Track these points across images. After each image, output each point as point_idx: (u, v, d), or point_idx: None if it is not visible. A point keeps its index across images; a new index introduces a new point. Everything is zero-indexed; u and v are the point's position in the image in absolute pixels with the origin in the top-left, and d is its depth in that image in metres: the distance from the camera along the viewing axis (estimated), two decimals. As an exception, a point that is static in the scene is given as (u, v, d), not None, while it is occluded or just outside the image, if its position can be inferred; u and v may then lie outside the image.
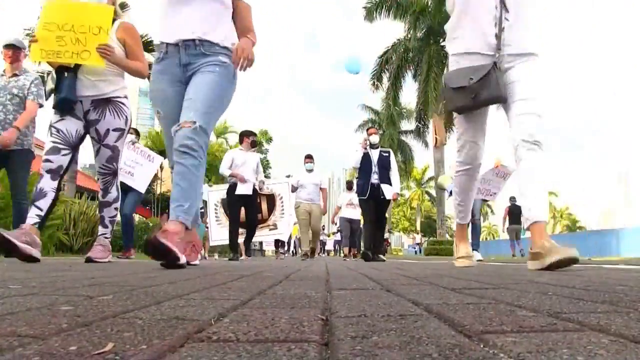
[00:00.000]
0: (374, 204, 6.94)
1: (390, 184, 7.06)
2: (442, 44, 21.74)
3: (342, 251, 18.08)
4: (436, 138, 21.12)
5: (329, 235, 28.22)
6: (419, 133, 27.24)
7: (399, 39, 22.07)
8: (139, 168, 6.93)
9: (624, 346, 0.52)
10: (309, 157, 8.93)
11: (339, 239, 24.20)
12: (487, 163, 6.57)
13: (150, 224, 14.54)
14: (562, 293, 1.15)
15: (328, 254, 27.44)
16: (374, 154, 7.05)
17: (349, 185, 11.21)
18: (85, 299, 0.99)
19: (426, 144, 24.60)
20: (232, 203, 7.31)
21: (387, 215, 8.01)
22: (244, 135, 7.64)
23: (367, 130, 7.49)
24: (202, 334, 0.60)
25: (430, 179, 46.45)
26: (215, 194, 9.47)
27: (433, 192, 34.52)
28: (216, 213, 9.39)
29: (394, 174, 7.16)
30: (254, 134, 7.67)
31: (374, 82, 22.37)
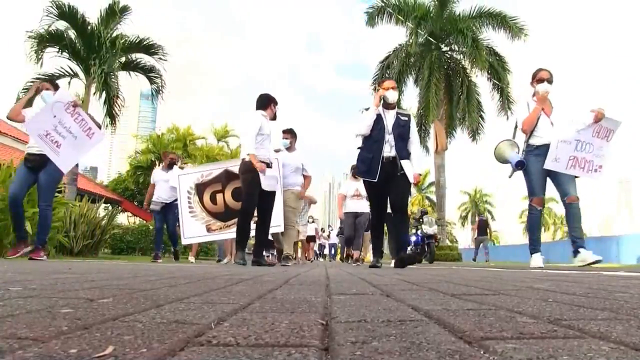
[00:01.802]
0: (389, 188, 4.90)
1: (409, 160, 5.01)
2: (443, 49, 21.81)
3: (340, 254, 15.15)
4: (437, 143, 21.11)
5: (328, 236, 25.52)
6: (420, 138, 27.24)
7: (400, 44, 22.12)
8: (70, 140, 5.31)
9: (624, 353, 0.52)
10: (286, 132, 6.97)
11: (334, 241, 22.35)
12: (582, 117, 4.88)
13: (151, 227, 14.37)
14: (562, 300, 1.15)
15: (331, 258, 24.91)
16: (389, 117, 4.95)
17: (355, 171, 8.59)
18: (85, 302, 0.99)
19: (427, 149, 24.63)
20: (253, 184, 5.35)
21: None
22: (271, 101, 5.77)
23: (382, 82, 5.24)
24: (202, 338, 0.60)
25: (431, 184, 46.36)
26: (187, 178, 7.62)
27: (434, 197, 34.54)
28: (189, 202, 7.48)
29: (415, 147, 5.10)
30: (277, 102, 5.85)
31: (375, 87, 22.37)
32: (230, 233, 7.16)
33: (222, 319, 0.77)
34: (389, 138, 4.90)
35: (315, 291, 1.36)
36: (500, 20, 20.09)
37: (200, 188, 7.50)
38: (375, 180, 4.82)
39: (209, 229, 7.40)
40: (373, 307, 0.96)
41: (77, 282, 1.59)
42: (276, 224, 6.66)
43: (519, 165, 4.83)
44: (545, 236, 64.24)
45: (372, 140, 4.92)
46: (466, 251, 27.43)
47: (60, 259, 6.52)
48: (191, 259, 9.12)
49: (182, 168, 8.00)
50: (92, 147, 5.66)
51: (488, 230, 17.97)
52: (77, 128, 5.40)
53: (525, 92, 5.18)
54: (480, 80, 21.54)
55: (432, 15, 20.87)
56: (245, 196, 5.47)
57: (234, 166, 6.99)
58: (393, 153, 4.86)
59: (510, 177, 5.20)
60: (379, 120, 4.94)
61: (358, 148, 5.14)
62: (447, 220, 25.16)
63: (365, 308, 0.95)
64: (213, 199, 7.39)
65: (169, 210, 8.01)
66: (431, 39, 21.28)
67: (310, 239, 17.97)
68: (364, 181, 5.16)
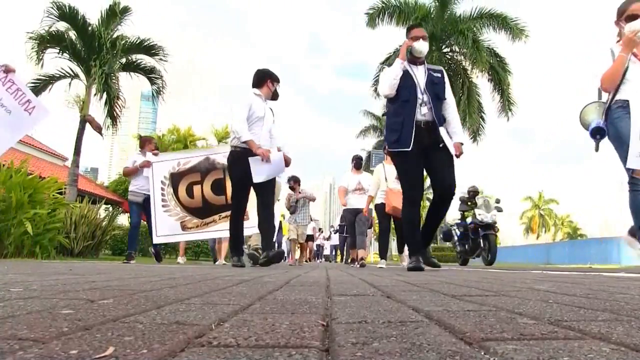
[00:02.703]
0: (428, 164, 3.90)
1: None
2: (443, 50, 21.82)
3: (342, 254, 13.95)
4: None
5: (329, 237, 24.58)
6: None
7: (400, 45, 22.13)
8: (3, 115, 4.34)
9: (625, 354, 0.52)
10: None
11: (336, 242, 20.07)
12: None
13: None
14: (562, 301, 1.15)
15: (328, 260, 24.23)
16: (419, 74, 3.98)
17: (357, 162, 7.77)
18: (85, 303, 0.99)
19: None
20: (243, 179, 4.63)
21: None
22: (267, 76, 4.93)
23: (410, 29, 4.19)
24: (202, 339, 0.60)
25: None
26: (161, 166, 6.51)
27: (434, 198, 34.60)
28: (163, 194, 6.37)
29: (452, 111, 4.07)
30: (277, 79, 5.00)
31: (375, 88, 22.39)
32: (208, 233, 6.43)
33: (223, 320, 0.77)
34: (423, 98, 3.87)
35: (316, 292, 1.36)
36: (500, 21, 20.11)
37: (175, 178, 6.38)
38: (409, 149, 3.73)
39: (183, 227, 6.31)
40: (374, 308, 0.96)
41: (78, 283, 1.59)
42: (251, 224, 5.60)
43: (597, 133, 3.45)
44: (545, 237, 64.14)
45: (401, 101, 3.89)
46: (466, 252, 27.41)
47: (60, 260, 6.52)
48: (180, 259, 8.03)
49: (155, 154, 6.76)
50: (33, 125, 4.70)
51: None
52: (12, 101, 4.35)
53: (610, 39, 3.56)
54: (481, 81, 21.56)
55: (432, 16, 20.91)
56: (235, 193, 4.76)
57: (217, 154, 6.32)
58: (429, 116, 3.85)
59: (596, 150, 3.64)
60: (406, 77, 3.93)
61: (383, 115, 4.80)
62: (448, 222, 25.14)
63: (366, 309, 0.95)
64: (190, 191, 6.32)
65: (151, 204, 6.67)
66: (432, 40, 21.28)
67: (309, 238, 16.76)
68: (394, 157, 4.02)
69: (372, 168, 9.17)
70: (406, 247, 6.41)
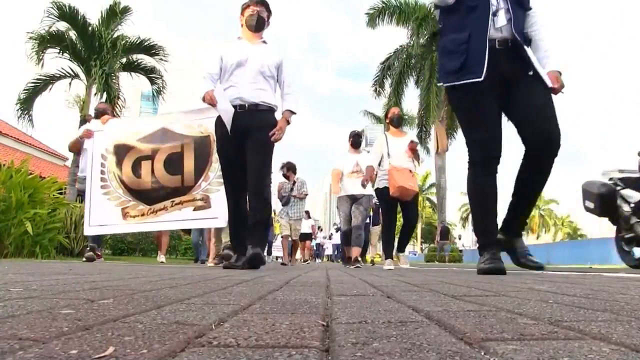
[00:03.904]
0: (512, 102, 2.73)
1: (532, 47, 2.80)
2: (444, 50, 21.75)
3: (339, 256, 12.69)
4: (438, 145, 21.12)
5: (330, 236, 23.33)
6: (421, 140, 27.15)
7: (401, 45, 22.14)
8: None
9: (625, 355, 0.52)
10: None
11: (339, 241, 19.41)
12: None
13: None
14: (562, 301, 1.15)
15: (331, 260, 22.78)
16: None
17: (356, 140, 6.51)
18: (85, 303, 0.99)
19: (428, 151, 24.62)
20: (220, 147, 3.84)
21: None
22: (245, 6, 3.79)
23: None
24: (202, 339, 0.60)
25: (432, 185, 46.36)
26: (105, 136, 5.10)
27: (434, 198, 34.54)
28: (102, 172, 4.99)
29: (540, 25, 2.82)
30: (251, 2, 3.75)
31: (375, 89, 22.41)
32: (155, 224, 4.99)
33: (223, 320, 0.77)
34: (499, 3, 2.65)
35: (316, 292, 1.36)
36: (501, 22, 20.06)
37: (120, 151, 4.95)
38: (481, 80, 2.55)
39: (125, 215, 4.91)
40: (374, 308, 0.96)
41: (78, 283, 1.59)
42: (213, 214, 4.54)
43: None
44: (546, 237, 64.17)
45: (466, 7, 2.66)
46: (467, 252, 27.43)
47: (60, 260, 6.52)
48: (161, 258, 6.81)
49: (103, 122, 5.27)
50: None
51: (449, 236, 21.74)
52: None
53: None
54: (481, 81, 21.52)
55: (433, 16, 20.89)
56: (222, 172, 3.89)
57: (175, 123, 4.90)
58: (508, 32, 2.65)
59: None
60: None
61: (435, 34, 3.34)
62: (448, 222, 25.17)
63: (366, 309, 0.95)
64: (136, 169, 4.88)
65: (87, 184, 5.34)
66: (432, 40, 21.28)
67: (306, 237, 15.67)
68: (454, 95, 2.78)
69: (367, 149, 7.54)
70: (402, 247, 5.97)
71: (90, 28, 13.38)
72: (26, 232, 6.08)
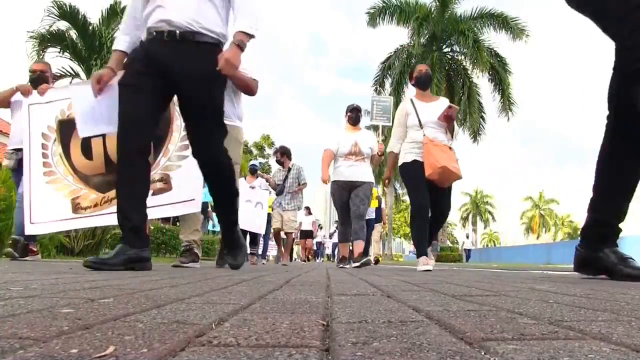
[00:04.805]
0: None
1: None
2: (444, 50, 21.81)
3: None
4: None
5: (330, 235, 22.38)
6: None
7: (401, 45, 22.16)
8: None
9: (625, 355, 0.52)
10: None
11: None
12: None
13: (152, 227, 12.93)
14: (563, 301, 1.15)
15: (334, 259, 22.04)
16: None
17: (354, 115, 5.42)
18: (86, 302, 0.99)
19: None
20: (131, 80, 2.77)
21: None
22: None
23: None
24: (203, 338, 0.60)
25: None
26: (43, 110, 3.96)
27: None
28: (45, 155, 3.96)
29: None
30: None
31: (376, 88, 22.43)
32: (112, 216, 3.54)
33: (223, 319, 0.77)
34: None
35: (316, 292, 1.36)
36: (501, 21, 20.13)
37: (66, 128, 3.88)
38: None
39: (75, 207, 3.91)
40: (374, 308, 0.96)
41: (78, 282, 1.59)
42: (179, 198, 3.63)
43: None
44: (546, 237, 64.18)
45: None
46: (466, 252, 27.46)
47: (61, 259, 6.52)
48: None
49: (41, 93, 4.01)
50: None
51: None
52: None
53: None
54: (482, 81, 21.57)
55: (433, 16, 20.91)
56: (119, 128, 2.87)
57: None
58: None
59: None
60: None
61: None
62: (448, 222, 25.18)
63: (366, 309, 0.95)
64: (87, 149, 3.92)
65: (24, 173, 4.21)
66: (432, 40, 21.31)
67: (307, 234, 15.35)
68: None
69: (372, 122, 6.38)
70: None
71: (90, 27, 13.38)
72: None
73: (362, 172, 5.16)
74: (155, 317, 0.78)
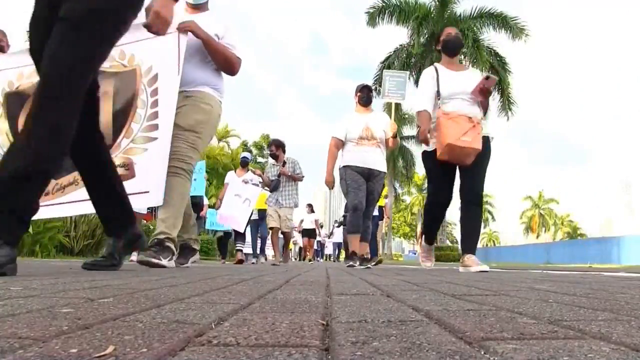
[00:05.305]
0: None
1: None
2: (444, 50, 21.77)
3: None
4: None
5: (330, 234, 21.69)
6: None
7: (401, 45, 22.15)
8: None
9: (625, 354, 0.52)
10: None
11: (340, 239, 16.01)
12: None
13: (152, 227, 13.13)
14: (562, 300, 1.15)
15: (335, 259, 21.36)
16: None
17: (365, 95, 4.87)
18: (85, 302, 0.99)
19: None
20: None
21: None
22: None
23: None
24: (202, 338, 0.60)
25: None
26: None
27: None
28: None
29: None
30: None
31: (376, 88, 22.42)
32: (63, 207, 3.11)
33: (223, 318, 0.77)
34: None
35: (316, 291, 1.36)
36: (501, 21, 20.13)
37: (13, 102, 3.34)
38: None
39: None
40: (374, 308, 0.96)
41: (78, 281, 1.59)
42: (140, 188, 2.97)
43: None
44: (545, 237, 64.22)
45: None
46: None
47: (60, 259, 6.52)
48: (133, 256, 5.30)
49: None
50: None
51: None
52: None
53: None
54: (481, 80, 21.54)
55: (433, 15, 20.91)
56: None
57: None
58: None
59: None
60: None
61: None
62: (448, 221, 25.16)
63: (366, 308, 0.95)
64: None
65: None
66: (432, 39, 21.29)
67: (310, 233, 14.57)
68: None
69: (384, 99, 5.49)
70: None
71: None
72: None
73: (377, 160, 4.55)
74: (154, 316, 0.78)
